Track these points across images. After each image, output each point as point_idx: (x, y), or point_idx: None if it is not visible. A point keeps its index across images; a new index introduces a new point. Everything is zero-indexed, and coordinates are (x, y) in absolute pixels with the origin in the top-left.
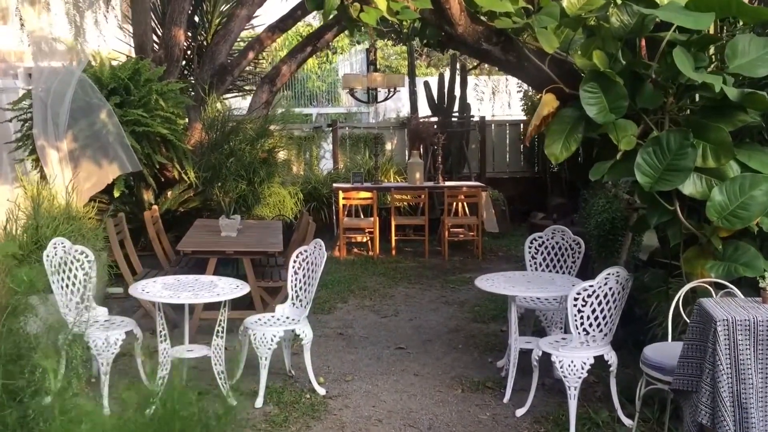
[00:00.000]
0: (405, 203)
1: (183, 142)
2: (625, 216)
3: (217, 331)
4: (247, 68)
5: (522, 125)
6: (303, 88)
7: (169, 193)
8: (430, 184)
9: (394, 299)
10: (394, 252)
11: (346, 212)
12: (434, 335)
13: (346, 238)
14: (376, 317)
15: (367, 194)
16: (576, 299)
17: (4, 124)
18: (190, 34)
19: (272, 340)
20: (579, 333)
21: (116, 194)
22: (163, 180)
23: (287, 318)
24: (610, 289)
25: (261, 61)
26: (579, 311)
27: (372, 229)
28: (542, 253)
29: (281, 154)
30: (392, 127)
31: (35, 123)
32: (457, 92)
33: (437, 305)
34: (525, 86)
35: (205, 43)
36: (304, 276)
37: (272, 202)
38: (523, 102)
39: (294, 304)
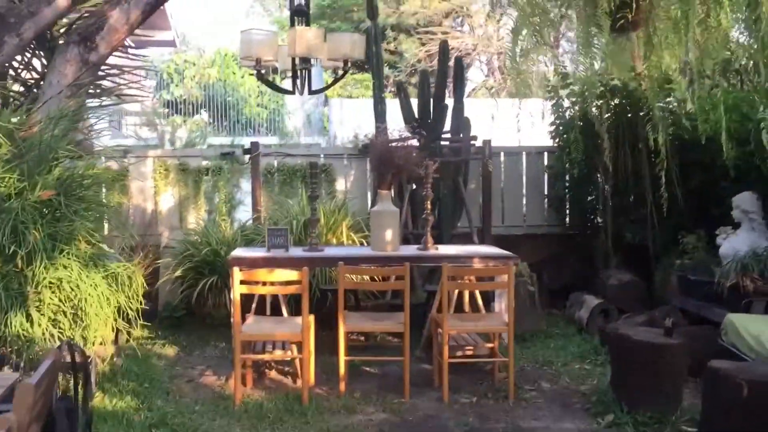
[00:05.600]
0: (363, 289)
1: None
2: None
3: None
4: None
5: (546, 154)
6: (239, 115)
7: None
8: (412, 250)
9: None
10: (343, 385)
11: (254, 305)
12: None
13: (251, 357)
14: None
15: (292, 274)
16: None
17: None
18: None
19: None
20: None
21: None
22: None
23: None
24: None
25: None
26: None
27: (299, 341)
28: None
29: (112, 191)
30: (347, 155)
31: None
32: (449, 102)
33: None
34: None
35: None
36: None
37: (62, 301)
38: (553, 120)
39: None
